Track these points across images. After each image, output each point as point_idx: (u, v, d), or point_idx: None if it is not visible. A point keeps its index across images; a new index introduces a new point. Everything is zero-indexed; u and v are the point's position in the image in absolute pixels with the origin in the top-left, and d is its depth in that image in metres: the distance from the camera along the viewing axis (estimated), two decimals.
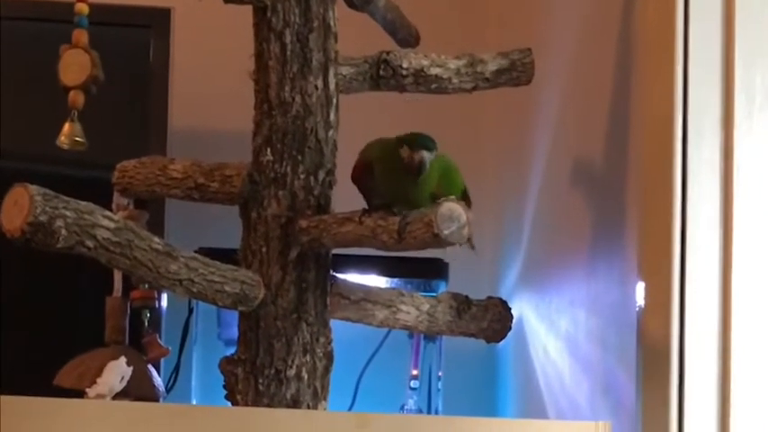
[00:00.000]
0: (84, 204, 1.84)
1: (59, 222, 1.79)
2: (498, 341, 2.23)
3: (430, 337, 2.77)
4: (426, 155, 1.94)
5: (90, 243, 1.84)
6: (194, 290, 1.96)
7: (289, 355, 2.05)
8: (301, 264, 2.06)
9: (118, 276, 2.51)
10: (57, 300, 3.03)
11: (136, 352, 2.49)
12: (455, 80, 2.18)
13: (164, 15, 3.15)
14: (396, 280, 2.78)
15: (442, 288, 2.78)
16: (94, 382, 2.33)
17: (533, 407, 2.68)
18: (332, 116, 2.10)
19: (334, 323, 2.11)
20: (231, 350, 2.11)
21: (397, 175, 1.97)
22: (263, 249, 2.06)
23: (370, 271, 2.72)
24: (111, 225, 1.86)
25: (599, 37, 2.37)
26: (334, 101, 2.10)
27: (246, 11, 2.09)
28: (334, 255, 2.11)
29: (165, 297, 2.62)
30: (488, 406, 3.04)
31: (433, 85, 2.18)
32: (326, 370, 2.08)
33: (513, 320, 2.21)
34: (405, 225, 1.88)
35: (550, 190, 2.68)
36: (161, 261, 1.91)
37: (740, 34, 1.94)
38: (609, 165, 2.31)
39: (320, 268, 2.08)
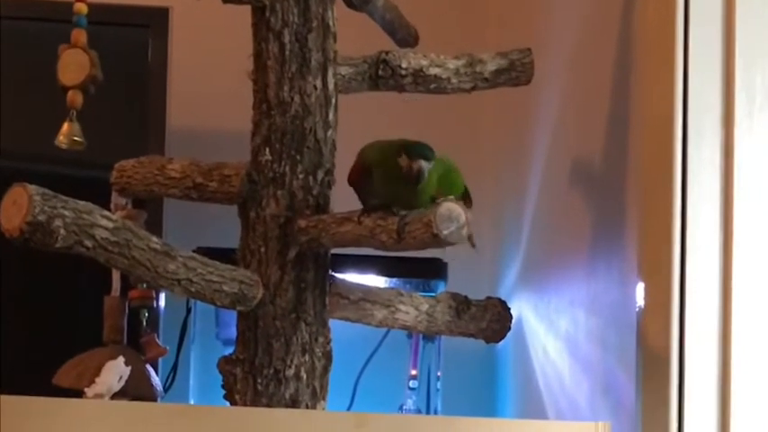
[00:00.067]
0: (82, 204, 1.83)
1: (58, 222, 1.79)
2: (497, 341, 2.22)
3: (429, 337, 2.77)
4: (425, 164, 1.94)
5: (88, 243, 1.83)
6: (193, 289, 1.96)
7: (287, 355, 2.05)
8: (300, 263, 2.06)
9: (116, 276, 2.51)
10: (55, 299, 3.03)
11: (134, 351, 2.49)
12: (454, 80, 2.18)
13: (162, 15, 3.15)
14: (395, 280, 2.77)
15: (441, 288, 2.78)
16: (93, 382, 2.33)
17: (533, 407, 2.68)
18: (331, 116, 2.10)
19: (332, 323, 2.10)
20: (229, 350, 2.11)
21: (395, 182, 1.96)
22: (262, 249, 2.06)
23: (368, 271, 2.72)
24: (110, 225, 1.86)
25: (599, 37, 2.37)
26: (333, 101, 2.10)
27: (245, 11, 2.09)
28: (332, 254, 2.11)
29: (163, 297, 2.62)
30: (487, 406, 3.03)
31: (432, 85, 2.18)
32: (325, 370, 2.08)
33: (513, 320, 2.21)
34: (404, 225, 1.88)
35: (550, 190, 2.67)
36: (159, 261, 1.91)
37: (740, 34, 1.94)
38: (609, 164, 2.31)
39: (319, 268, 2.08)
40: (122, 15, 3.11)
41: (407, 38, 2.32)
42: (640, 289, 2.02)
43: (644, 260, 2.02)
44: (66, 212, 1.80)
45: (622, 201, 2.18)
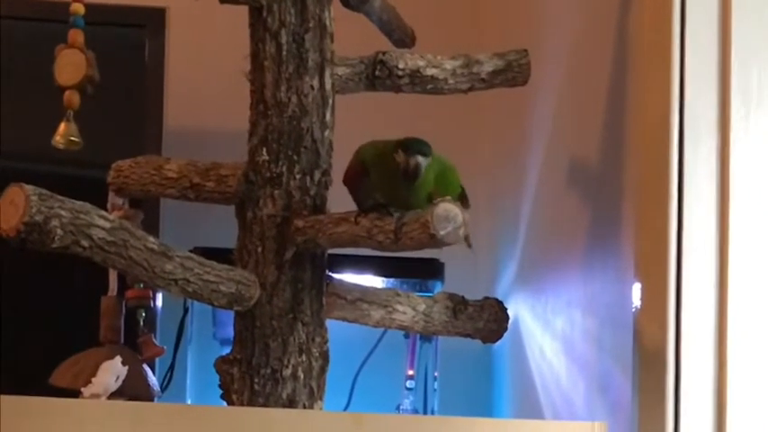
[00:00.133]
0: (79, 204, 1.83)
1: (55, 222, 1.79)
2: (494, 341, 2.23)
3: (426, 337, 2.77)
4: (422, 160, 1.94)
5: (85, 243, 1.83)
6: (190, 289, 1.96)
7: (284, 355, 2.05)
8: (297, 264, 2.06)
9: (113, 276, 2.51)
10: (52, 299, 3.02)
11: (131, 351, 2.49)
12: (451, 81, 2.18)
13: (159, 15, 3.15)
14: (392, 280, 2.78)
15: (438, 288, 2.78)
16: (89, 382, 2.33)
17: (529, 407, 2.68)
18: (328, 116, 2.10)
19: (330, 323, 2.10)
20: (226, 350, 2.11)
21: (392, 180, 1.97)
22: (259, 249, 2.06)
23: (366, 271, 2.72)
24: (107, 225, 1.86)
25: (595, 38, 2.37)
26: (330, 101, 2.10)
27: (242, 11, 2.09)
28: (329, 254, 2.11)
29: (160, 297, 2.62)
30: (484, 406, 3.04)
31: (429, 86, 2.18)
32: (322, 370, 2.08)
33: (510, 321, 2.21)
34: (401, 225, 1.88)
35: (547, 190, 2.68)
36: (156, 261, 1.91)
37: (736, 35, 1.94)
38: (605, 165, 2.31)
39: (316, 268, 2.08)
40: (119, 16, 3.11)
41: (404, 38, 2.32)
42: (637, 289, 2.02)
43: (640, 260, 2.02)
44: (63, 212, 1.80)
45: (619, 201, 2.18)
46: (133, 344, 2.52)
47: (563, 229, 2.54)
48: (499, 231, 3.02)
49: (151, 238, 1.92)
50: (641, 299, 2.00)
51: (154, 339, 2.55)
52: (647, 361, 1.97)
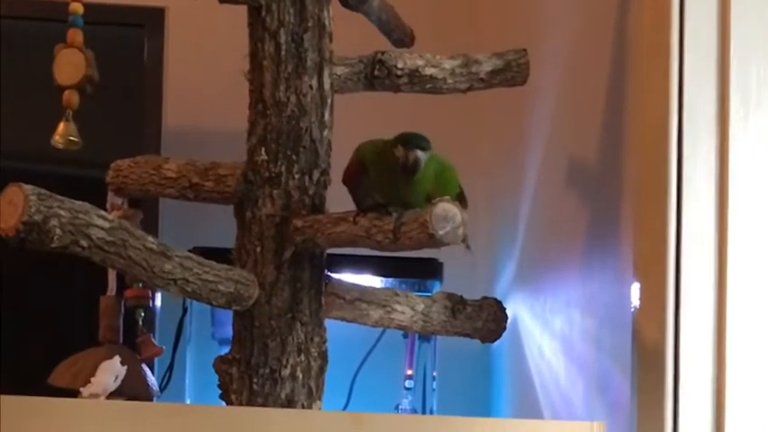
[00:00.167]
0: (78, 204, 1.83)
1: (54, 222, 1.79)
2: (493, 341, 2.23)
3: (425, 336, 2.77)
4: (421, 154, 1.94)
5: (84, 242, 1.83)
6: (189, 289, 1.96)
7: (283, 355, 2.05)
8: (296, 263, 2.06)
9: (112, 276, 2.51)
10: (51, 299, 3.02)
11: (130, 351, 2.49)
12: (450, 80, 2.18)
13: (158, 15, 3.15)
14: (390, 280, 2.77)
15: (437, 288, 2.78)
16: (88, 382, 2.33)
17: (528, 407, 2.68)
18: (326, 116, 2.10)
19: (328, 323, 2.10)
20: (225, 349, 2.11)
21: (391, 176, 1.97)
22: (258, 249, 2.06)
23: (364, 271, 2.72)
24: (106, 224, 1.86)
25: (594, 37, 2.37)
26: (329, 101, 2.10)
27: (241, 10, 2.09)
28: (328, 254, 2.11)
29: (159, 296, 2.62)
30: (483, 406, 3.04)
31: (428, 86, 2.18)
32: (321, 370, 2.08)
33: (508, 320, 2.21)
34: (399, 225, 1.88)
35: (546, 190, 2.68)
36: (155, 260, 1.91)
37: (736, 35, 1.94)
38: (604, 165, 2.31)
39: (315, 268, 2.08)
40: (118, 15, 3.11)
41: (403, 38, 2.32)
42: (636, 289, 2.02)
43: (639, 260, 2.02)
44: (62, 212, 1.80)
45: (618, 201, 2.18)
46: (132, 344, 2.52)
47: (562, 229, 2.54)
48: (498, 231, 3.02)
49: (150, 238, 1.92)
50: (640, 299, 2.00)
51: (153, 339, 2.55)
52: (645, 361, 1.97)
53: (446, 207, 1.84)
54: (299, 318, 2.06)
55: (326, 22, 2.10)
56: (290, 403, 2.04)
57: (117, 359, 2.37)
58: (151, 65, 3.14)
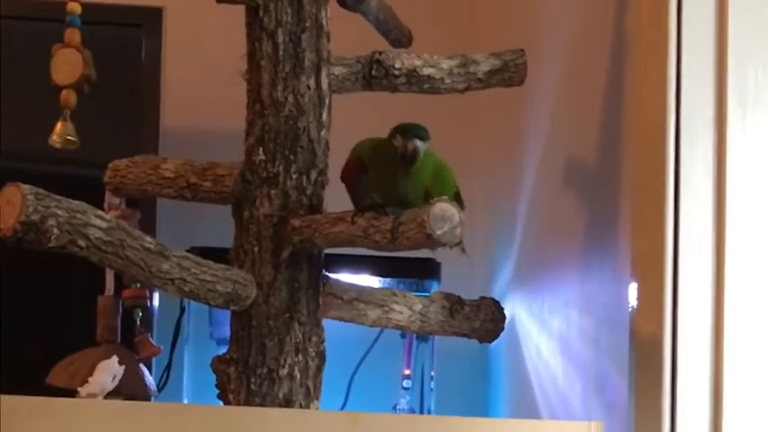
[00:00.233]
0: (76, 203, 1.83)
1: (51, 221, 1.79)
2: (491, 341, 2.22)
3: (422, 336, 2.77)
4: (419, 144, 1.95)
5: (82, 242, 1.83)
6: (186, 289, 1.96)
7: (281, 355, 2.05)
8: (294, 263, 2.06)
9: (110, 275, 2.51)
10: (49, 299, 3.02)
11: (128, 351, 2.49)
12: (448, 80, 2.18)
13: (155, 14, 3.15)
14: (388, 279, 2.77)
15: (435, 288, 2.78)
16: (86, 381, 2.33)
17: (526, 407, 2.68)
18: (324, 116, 2.10)
19: (326, 323, 2.10)
20: (223, 349, 2.11)
21: (390, 170, 1.97)
22: (256, 249, 2.06)
23: (362, 270, 2.72)
24: (104, 224, 1.86)
25: (592, 37, 2.37)
26: (327, 101, 2.10)
27: (239, 10, 2.09)
28: (326, 254, 2.11)
29: (156, 296, 2.62)
30: (481, 406, 3.04)
31: (426, 86, 2.18)
32: (319, 369, 2.08)
33: (506, 320, 2.21)
34: (397, 225, 1.88)
35: (543, 190, 2.68)
36: (153, 260, 1.91)
37: (733, 35, 1.94)
38: (602, 165, 2.31)
39: (312, 268, 2.08)
40: (116, 15, 3.11)
41: (401, 38, 2.32)
42: (633, 289, 2.02)
43: (637, 260, 2.02)
44: (60, 212, 1.80)
45: (616, 201, 2.18)
46: (130, 343, 2.52)
47: (560, 229, 2.54)
48: (496, 231, 3.02)
49: (148, 238, 1.92)
50: (638, 298, 2.01)
51: (150, 339, 2.55)
52: (643, 361, 1.97)
53: (444, 207, 1.84)
54: (297, 318, 2.06)
55: (324, 22, 2.10)
56: (287, 403, 2.04)
57: (115, 359, 2.37)
58: (149, 65, 3.14)
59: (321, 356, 2.08)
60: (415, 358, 2.82)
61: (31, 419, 1.82)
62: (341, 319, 2.14)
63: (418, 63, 2.17)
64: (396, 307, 2.14)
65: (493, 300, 2.21)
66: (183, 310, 2.78)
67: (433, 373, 2.83)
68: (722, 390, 1.90)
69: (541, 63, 2.48)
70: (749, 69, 1.94)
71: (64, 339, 2.85)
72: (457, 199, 2.03)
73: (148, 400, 2.44)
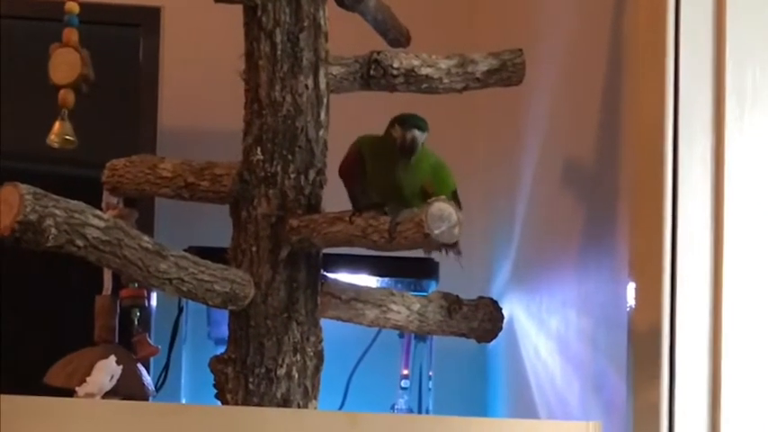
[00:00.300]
0: (73, 203, 1.83)
1: (49, 221, 1.79)
2: (489, 341, 2.22)
3: (421, 336, 2.77)
4: (418, 134, 1.95)
5: (80, 242, 1.83)
6: (184, 289, 1.96)
7: (279, 355, 2.05)
8: (292, 263, 2.06)
9: (107, 275, 2.51)
10: (46, 298, 3.02)
11: (125, 351, 2.48)
12: (446, 80, 2.18)
13: (153, 14, 3.15)
14: (386, 279, 2.77)
15: (433, 287, 2.78)
16: (84, 381, 2.33)
17: (524, 407, 2.68)
18: (322, 116, 2.10)
19: (324, 322, 2.10)
20: (221, 349, 2.11)
21: (388, 163, 1.97)
22: (254, 248, 2.06)
23: (360, 270, 2.71)
24: (101, 224, 1.85)
25: (590, 37, 2.37)
26: (325, 100, 2.10)
27: (237, 10, 2.09)
28: (324, 254, 2.11)
29: (154, 296, 2.62)
30: (479, 406, 3.03)
31: (424, 85, 2.18)
32: (317, 369, 2.08)
33: (504, 320, 2.21)
34: (395, 225, 1.88)
35: (542, 189, 2.68)
36: (151, 260, 1.91)
37: (731, 35, 1.94)
38: (600, 165, 2.31)
39: (311, 267, 2.08)
40: (114, 14, 3.11)
41: (399, 38, 2.32)
42: (631, 288, 2.02)
43: (635, 260, 2.02)
44: (58, 212, 1.80)
45: (614, 201, 2.18)
46: (128, 343, 2.51)
47: (558, 229, 2.54)
48: (494, 231, 3.02)
49: (146, 238, 1.92)
50: (636, 298, 2.01)
51: (148, 339, 2.54)
52: (641, 360, 1.97)
53: (442, 207, 1.84)
54: (295, 317, 2.06)
55: (322, 22, 2.10)
56: (285, 403, 2.04)
57: (112, 359, 2.36)
58: (147, 64, 3.14)
59: (319, 356, 2.08)
60: (413, 358, 2.82)
61: (31, 419, 1.82)
62: (339, 318, 2.14)
63: (416, 63, 2.17)
64: (394, 307, 2.14)
65: (491, 299, 2.21)
66: (180, 309, 2.78)
67: (431, 373, 2.83)
68: (720, 389, 1.90)
69: (540, 63, 2.48)
70: (747, 70, 1.94)
71: (62, 339, 2.85)
72: (454, 198, 2.03)
73: (146, 399, 2.43)
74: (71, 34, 2.44)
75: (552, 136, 2.62)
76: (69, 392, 2.32)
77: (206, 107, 3.10)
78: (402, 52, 2.20)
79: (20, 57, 3.01)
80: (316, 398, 2.08)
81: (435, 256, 2.68)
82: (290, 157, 2.07)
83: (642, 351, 1.97)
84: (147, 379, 2.48)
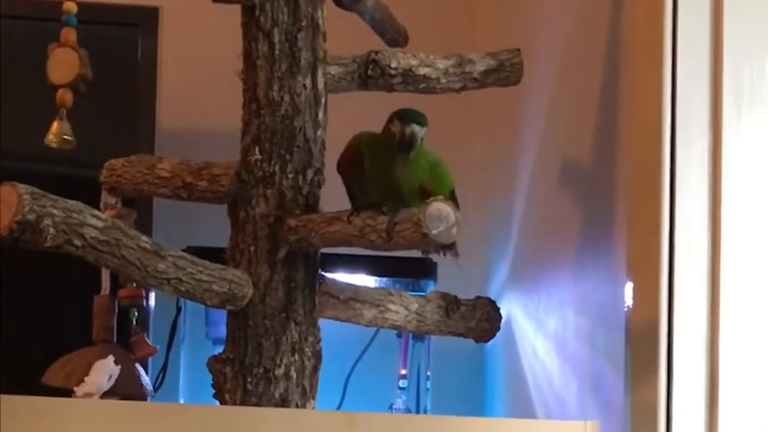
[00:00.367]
0: (72, 203, 1.83)
1: (47, 221, 1.79)
2: (487, 341, 2.23)
3: (419, 336, 2.77)
4: (417, 129, 1.95)
5: (78, 242, 1.83)
6: (182, 289, 1.96)
7: (277, 355, 2.05)
8: (290, 263, 2.06)
9: (106, 275, 2.51)
10: (45, 298, 3.02)
11: (124, 351, 2.48)
12: (443, 80, 2.18)
13: (152, 14, 3.15)
14: (384, 279, 2.77)
15: (431, 287, 2.78)
16: (82, 381, 2.33)
17: (522, 406, 2.68)
18: (320, 115, 2.10)
19: (322, 322, 2.11)
20: (219, 349, 2.11)
21: (386, 158, 1.97)
22: (252, 248, 2.06)
23: (358, 270, 2.71)
24: (100, 224, 1.86)
25: (588, 37, 2.37)
26: (323, 100, 2.10)
27: (235, 10, 2.09)
28: (322, 254, 2.11)
29: (152, 296, 2.62)
30: (477, 405, 3.03)
31: (422, 85, 2.18)
32: (315, 369, 2.08)
33: (502, 320, 2.21)
34: (393, 225, 1.88)
35: (539, 189, 2.68)
36: (149, 260, 1.91)
37: (729, 35, 1.94)
38: (598, 165, 2.31)
39: (309, 267, 2.08)
40: (112, 14, 3.11)
41: (397, 38, 2.32)
42: (629, 288, 2.02)
43: (633, 260, 2.02)
44: (56, 211, 1.80)
45: (611, 201, 2.18)
46: (126, 343, 2.51)
47: (555, 229, 2.54)
48: (492, 231, 3.02)
49: (144, 238, 1.92)
50: (633, 298, 2.01)
51: (146, 339, 2.54)
52: (639, 360, 1.97)
53: (440, 207, 1.84)
54: (293, 317, 2.06)
55: (320, 22, 2.10)
56: (283, 403, 2.05)
57: (111, 358, 2.36)
58: (145, 64, 3.13)
59: (317, 356, 2.08)
60: (411, 358, 2.82)
61: (31, 419, 1.82)
62: (337, 318, 2.14)
63: (414, 63, 2.17)
64: (392, 307, 2.14)
65: (489, 299, 2.22)
66: (179, 309, 2.77)
67: (429, 373, 2.83)
68: (718, 389, 1.91)
69: (537, 63, 2.48)
70: (744, 70, 1.95)
71: (60, 339, 2.85)
72: (452, 198, 2.04)
73: (144, 399, 2.43)
74: (69, 34, 2.44)
75: (550, 136, 2.62)
76: (67, 392, 2.32)
77: (204, 107, 3.10)
78: (400, 52, 2.21)
79: (19, 57, 3.01)
80: (314, 398, 2.08)
81: (433, 256, 2.69)
82: (288, 156, 2.07)
83: (640, 351, 1.97)
84: (146, 379, 2.48)
